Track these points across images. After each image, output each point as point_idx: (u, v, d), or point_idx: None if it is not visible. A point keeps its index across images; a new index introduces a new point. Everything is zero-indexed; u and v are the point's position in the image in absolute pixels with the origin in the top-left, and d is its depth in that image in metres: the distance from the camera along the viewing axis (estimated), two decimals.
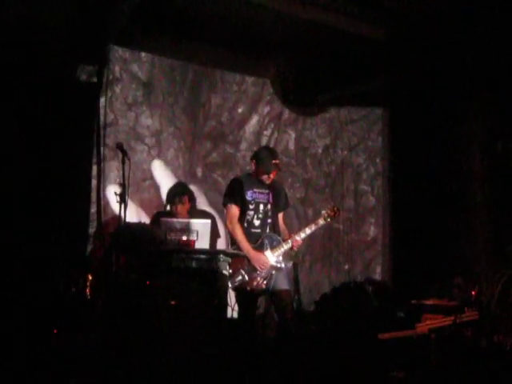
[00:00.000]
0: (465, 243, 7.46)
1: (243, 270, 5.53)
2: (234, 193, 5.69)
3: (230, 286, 5.46)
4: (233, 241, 5.68)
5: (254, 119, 8.33)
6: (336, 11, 6.96)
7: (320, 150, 8.77)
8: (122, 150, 5.25)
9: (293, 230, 5.85)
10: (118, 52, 7.38)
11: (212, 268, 5.24)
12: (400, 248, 8.40)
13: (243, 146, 8.19)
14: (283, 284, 5.60)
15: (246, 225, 5.64)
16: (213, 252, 5.47)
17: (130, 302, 5.02)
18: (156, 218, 6.19)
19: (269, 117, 8.44)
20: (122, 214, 5.11)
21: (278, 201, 5.80)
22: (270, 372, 5.25)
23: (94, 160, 6.87)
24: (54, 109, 6.42)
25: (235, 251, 5.56)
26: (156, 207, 7.05)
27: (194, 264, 5.23)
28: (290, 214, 7.62)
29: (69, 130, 6.53)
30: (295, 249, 5.71)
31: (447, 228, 7.61)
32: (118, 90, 7.39)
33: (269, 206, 5.73)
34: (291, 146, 8.59)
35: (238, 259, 5.52)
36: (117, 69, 7.38)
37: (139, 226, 5.76)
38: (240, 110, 8.25)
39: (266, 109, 8.43)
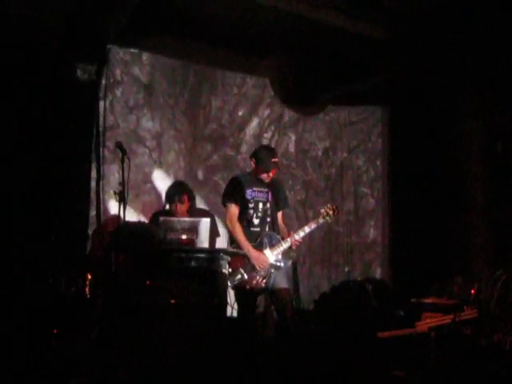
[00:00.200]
0: (465, 243, 7.45)
1: (243, 268, 5.53)
2: (234, 192, 5.69)
3: (229, 284, 5.47)
4: (232, 240, 5.68)
5: (255, 122, 8.34)
6: (336, 11, 6.96)
7: (320, 153, 8.78)
8: (121, 148, 5.23)
9: (292, 230, 5.83)
10: (119, 54, 7.38)
11: (211, 267, 5.25)
12: (400, 249, 8.40)
13: (244, 148, 8.19)
14: (282, 283, 5.60)
15: (245, 223, 5.64)
16: (212, 251, 5.48)
17: (129, 302, 5.01)
18: (155, 217, 6.18)
19: (269, 119, 8.45)
20: (122, 214, 5.11)
21: (278, 199, 5.81)
22: (270, 371, 5.24)
23: (94, 161, 6.87)
24: (53, 109, 6.42)
25: (235, 250, 5.56)
26: (157, 210, 7.02)
27: (193, 263, 5.23)
28: (291, 216, 7.62)
29: (69, 130, 6.53)
30: (294, 247, 5.71)
31: (447, 228, 7.60)
32: (118, 93, 7.39)
33: (268, 205, 5.73)
34: (291, 148, 8.60)
35: (238, 258, 5.52)
36: (118, 72, 7.38)
37: (138, 225, 5.77)
38: (240, 113, 8.26)
39: (267, 111, 8.44)
